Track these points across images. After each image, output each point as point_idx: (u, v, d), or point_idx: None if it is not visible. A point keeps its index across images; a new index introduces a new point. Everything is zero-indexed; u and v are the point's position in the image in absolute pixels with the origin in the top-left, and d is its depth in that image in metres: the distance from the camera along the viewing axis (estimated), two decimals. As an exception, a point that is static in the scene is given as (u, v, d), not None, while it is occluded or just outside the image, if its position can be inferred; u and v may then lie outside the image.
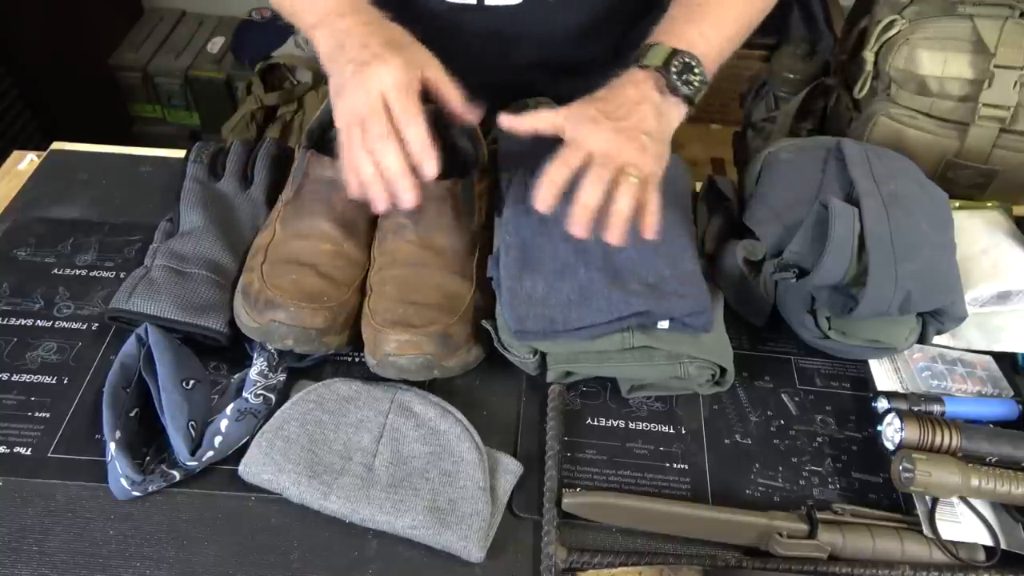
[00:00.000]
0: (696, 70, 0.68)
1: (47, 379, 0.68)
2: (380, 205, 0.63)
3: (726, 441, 0.67)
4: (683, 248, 0.68)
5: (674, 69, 0.67)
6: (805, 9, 1.74)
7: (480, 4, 0.82)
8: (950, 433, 0.61)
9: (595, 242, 0.67)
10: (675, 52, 0.67)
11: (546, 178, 0.62)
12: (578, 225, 0.61)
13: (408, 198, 0.62)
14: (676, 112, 0.69)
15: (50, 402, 0.66)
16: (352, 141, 0.63)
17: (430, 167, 0.62)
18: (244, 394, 0.64)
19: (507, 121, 0.66)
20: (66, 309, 0.74)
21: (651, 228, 0.63)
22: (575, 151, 0.63)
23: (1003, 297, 0.75)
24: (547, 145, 0.74)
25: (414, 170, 0.62)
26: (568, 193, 0.70)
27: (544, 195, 0.61)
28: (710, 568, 0.58)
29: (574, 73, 0.91)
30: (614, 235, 0.61)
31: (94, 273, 0.77)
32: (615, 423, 0.68)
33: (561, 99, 0.83)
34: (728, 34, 0.73)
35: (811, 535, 0.59)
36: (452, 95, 0.67)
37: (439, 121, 0.83)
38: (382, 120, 0.61)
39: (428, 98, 0.66)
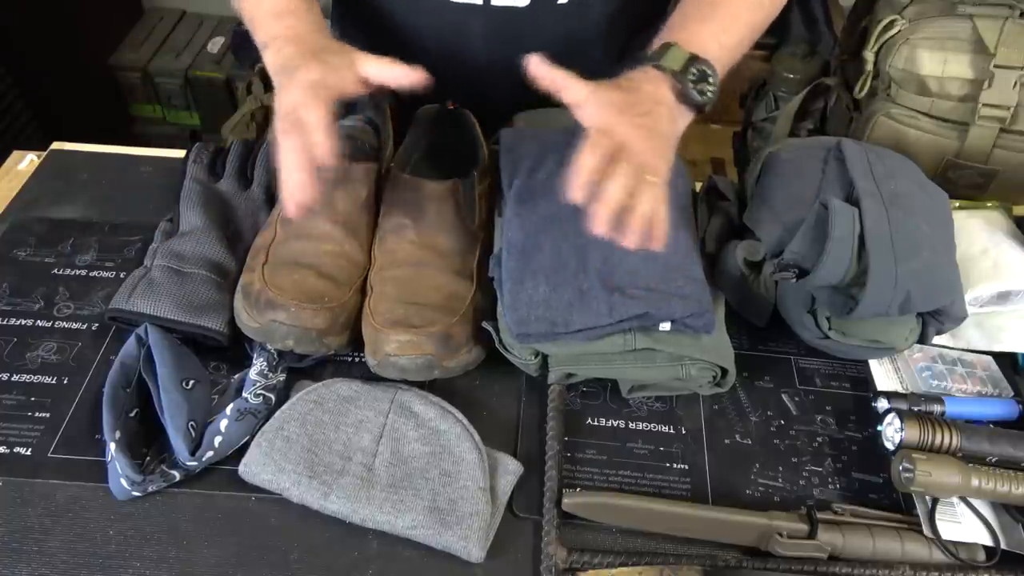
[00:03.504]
0: (710, 79, 0.67)
1: (47, 379, 0.68)
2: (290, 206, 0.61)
3: (726, 441, 0.67)
4: (684, 249, 0.68)
5: (691, 77, 0.65)
6: (805, 9, 1.73)
7: (486, 4, 0.81)
8: (950, 433, 0.61)
9: (597, 245, 0.67)
10: (693, 59, 0.66)
11: (579, 165, 0.58)
12: (601, 221, 0.58)
13: (302, 193, 0.60)
14: (685, 118, 0.68)
15: (50, 402, 0.66)
16: (280, 149, 0.62)
17: (322, 150, 0.60)
18: (244, 394, 0.64)
19: (536, 68, 0.62)
20: (66, 309, 0.74)
21: (660, 238, 0.60)
22: (604, 138, 0.60)
23: (1003, 297, 0.75)
24: (549, 146, 0.74)
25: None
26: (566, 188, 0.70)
27: (578, 182, 0.58)
28: (710, 568, 0.58)
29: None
30: (633, 238, 0.59)
31: (94, 273, 0.77)
32: (615, 423, 0.68)
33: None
34: (739, 38, 0.72)
35: (811, 535, 0.59)
36: (389, 71, 0.65)
37: (443, 121, 0.83)
38: (292, 118, 0.61)
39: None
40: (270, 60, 0.69)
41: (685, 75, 0.65)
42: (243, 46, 2.10)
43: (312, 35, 0.69)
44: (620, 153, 0.59)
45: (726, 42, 0.70)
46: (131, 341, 0.67)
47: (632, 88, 0.65)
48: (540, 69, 0.62)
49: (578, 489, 0.62)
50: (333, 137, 0.60)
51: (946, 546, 0.59)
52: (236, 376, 0.68)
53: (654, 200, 0.59)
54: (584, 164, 0.58)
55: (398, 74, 0.65)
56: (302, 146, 0.60)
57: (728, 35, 0.71)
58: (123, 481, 0.59)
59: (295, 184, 0.60)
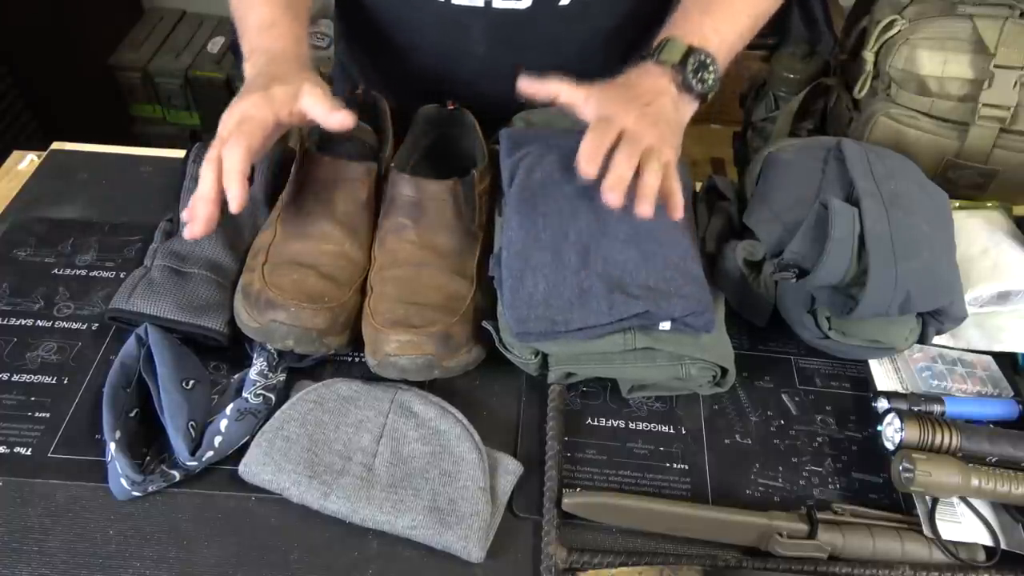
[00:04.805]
0: (710, 67, 0.69)
1: (47, 379, 0.68)
2: (189, 229, 0.62)
3: (726, 441, 0.67)
4: (684, 248, 0.68)
5: (690, 67, 0.68)
6: (805, 9, 1.74)
7: (487, 6, 0.81)
8: (950, 433, 0.61)
9: (597, 244, 0.67)
10: (691, 50, 0.68)
11: (586, 148, 0.61)
12: (612, 192, 0.60)
13: (196, 227, 0.62)
14: (688, 107, 0.70)
15: (50, 402, 0.66)
16: (202, 167, 0.63)
17: (232, 195, 0.61)
18: (244, 394, 0.64)
19: (527, 85, 0.66)
20: (66, 309, 0.74)
21: (679, 207, 0.64)
22: (608, 127, 0.62)
23: (1003, 297, 0.75)
24: (549, 146, 0.74)
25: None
26: (570, 190, 0.70)
27: (587, 164, 0.61)
28: (710, 568, 0.58)
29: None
30: (644, 207, 0.61)
31: (94, 273, 0.77)
32: (615, 423, 0.68)
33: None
34: (740, 29, 0.74)
35: (811, 535, 0.59)
36: (319, 109, 0.65)
37: (443, 121, 0.83)
38: (215, 147, 0.63)
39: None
40: (247, 71, 0.70)
41: (684, 66, 0.68)
42: (243, 46, 2.10)
43: (286, 53, 0.70)
44: (624, 137, 0.62)
45: (726, 33, 0.72)
46: (131, 341, 0.67)
47: (632, 84, 0.67)
48: (531, 86, 0.66)
49: (578, 489, 0.62)
50: (244, 187, 0.61)
51: (946, 546, 0.59)
52: (236, 376, 0.68)
53: (661, 172, 0.62)
54: (590, 147, 0.61)
55: (325, 113, 0.65)
56: (216, 183, 0.61)
57: (728, 25, 0.73)
58: (123, 481, 0.59)
59: (200, 211, 0.61)
